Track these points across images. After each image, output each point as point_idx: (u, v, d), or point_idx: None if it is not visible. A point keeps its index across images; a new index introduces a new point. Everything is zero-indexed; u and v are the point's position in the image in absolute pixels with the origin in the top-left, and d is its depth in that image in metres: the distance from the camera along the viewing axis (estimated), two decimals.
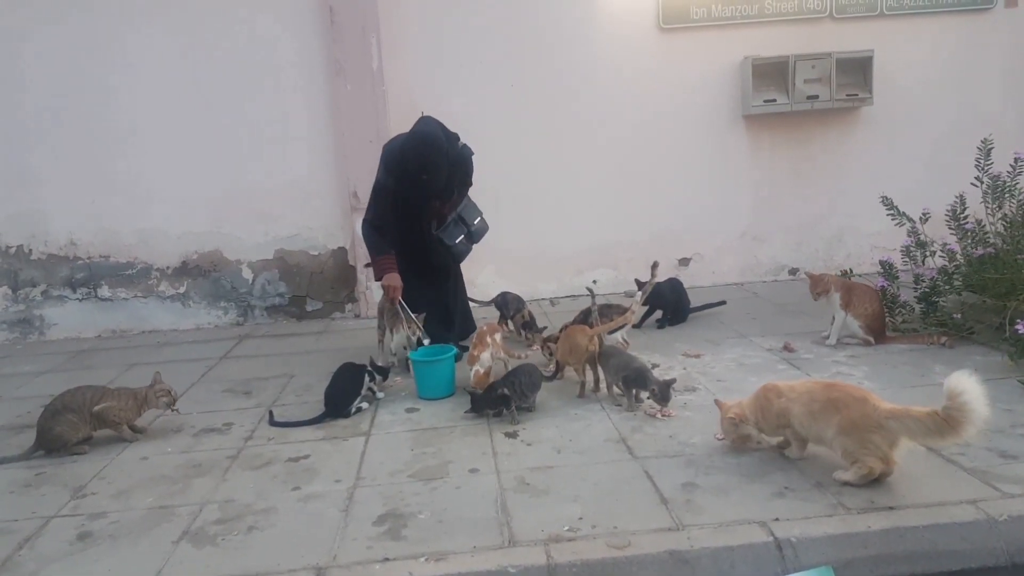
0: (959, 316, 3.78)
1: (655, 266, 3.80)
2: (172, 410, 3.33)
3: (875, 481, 2.36)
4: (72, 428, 3.09)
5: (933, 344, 3.72)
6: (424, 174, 3.59)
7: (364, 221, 3.93)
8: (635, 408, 3.20)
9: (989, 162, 3.94)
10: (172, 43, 5.13)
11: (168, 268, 5.38)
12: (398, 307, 3.82)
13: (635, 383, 3.18)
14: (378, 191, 3.80)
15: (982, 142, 3.95)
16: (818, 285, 3.91)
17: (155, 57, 5.14)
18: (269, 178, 5.28)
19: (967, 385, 2.12)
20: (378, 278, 3.91)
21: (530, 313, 4.38)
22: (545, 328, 4.27)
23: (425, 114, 3.79)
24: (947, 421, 2.16)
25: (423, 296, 3.94)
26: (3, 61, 5.11)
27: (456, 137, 3.72)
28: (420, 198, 3.75)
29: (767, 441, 2.71)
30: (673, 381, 3.15)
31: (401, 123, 4.85)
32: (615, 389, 3.34)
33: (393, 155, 3.69)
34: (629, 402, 3.22)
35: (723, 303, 4.79)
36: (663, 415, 3.08)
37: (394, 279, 3.80)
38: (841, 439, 2.37)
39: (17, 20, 5.07)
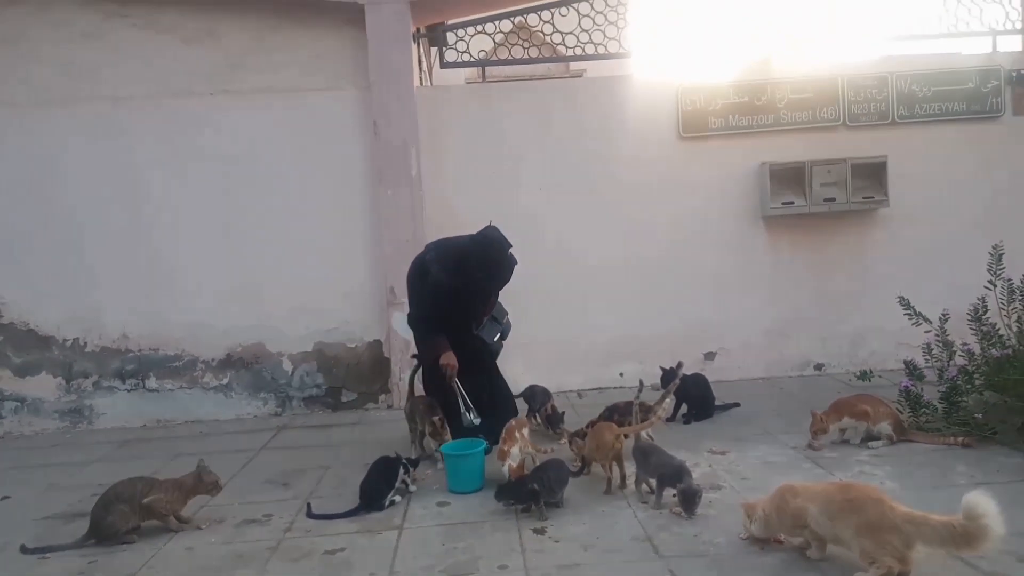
0: (980, 416, 3.81)
1: (679, 366, 3.92)
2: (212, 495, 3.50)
3: None
4: (123, 518, 3.26)
5: (953, 444, 3.74)
6: (494, 281, 3.94)
7: (410, 316, 4.16)
8: (662, 506, 3.26)
9: (1001, 267, 4.06)
10: (224, 149, 5.58)
11: (213, 360, 5.65)
12: (454, 385, 4.00)
13: (669, 480, 3.24)
14: (433, 287, 3.99)
15: (992, 248, 4.09)
16: (815, 425, 3.85)
17: (203, 163, 5.58)
18: (311, 275, 5.60)
19: (987, 508, 2.20)
20: (431, 359, 4.09)
21: (553, 407, 4.52)
22: (564, 413, 4.43)
23: (492, 223, 4.10)
24: (964, 536, 2.24)
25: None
26: (56, 175, 5.55)
27: (510, 245, 4.05)
28: (476, 300, 4.02)
29: (758, 535, 2.79)
30: (700, 494, 3.12)
31: (437, 224, 5.27)
32: (643, 486, 3.42)
33: (455, 257, 3.95)
34: (657, 500, 3.28)
35: (737, 405, 4.81)
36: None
37: (451, 357, 4.03)
38: (860, 540, 2.42)
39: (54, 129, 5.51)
